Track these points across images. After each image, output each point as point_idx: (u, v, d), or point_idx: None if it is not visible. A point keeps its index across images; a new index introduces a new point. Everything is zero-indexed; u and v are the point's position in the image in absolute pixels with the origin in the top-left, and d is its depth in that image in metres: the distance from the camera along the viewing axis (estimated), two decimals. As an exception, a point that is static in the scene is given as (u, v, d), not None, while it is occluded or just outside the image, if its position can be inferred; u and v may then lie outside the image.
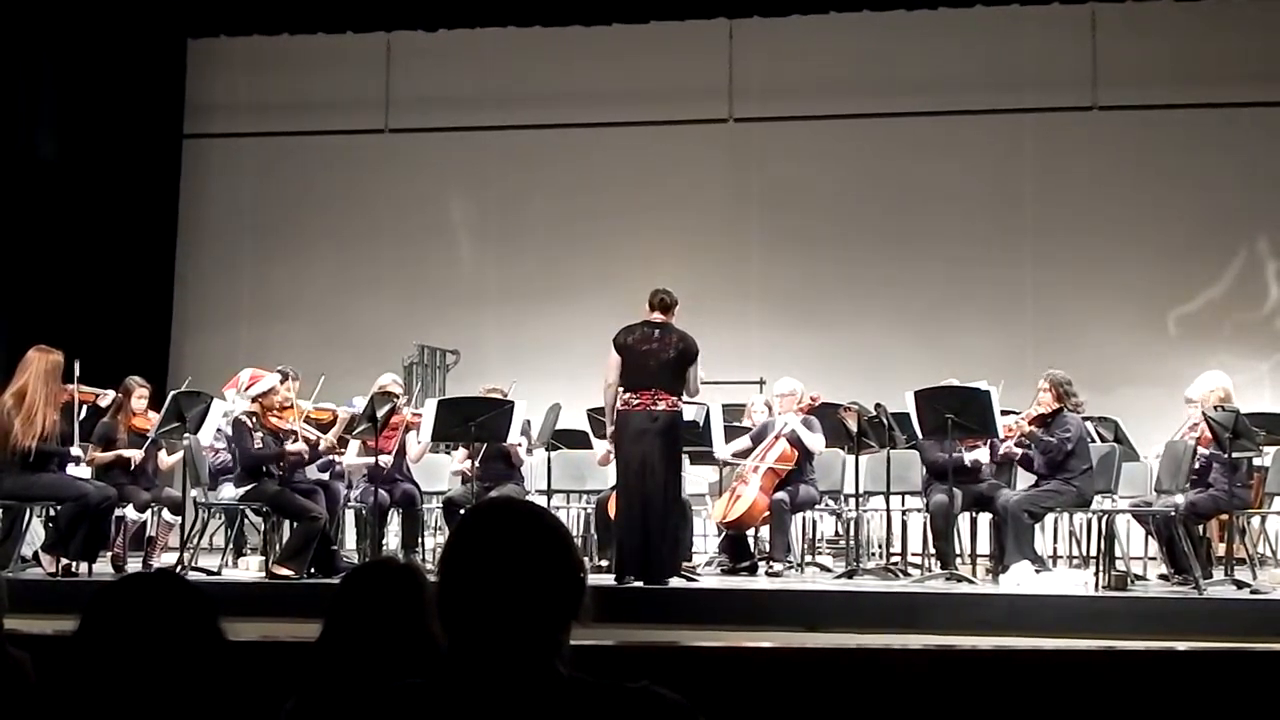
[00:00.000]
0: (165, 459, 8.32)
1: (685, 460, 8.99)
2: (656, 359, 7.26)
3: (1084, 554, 8.35)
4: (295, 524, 7.70)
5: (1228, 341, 11.12)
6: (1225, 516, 7.70)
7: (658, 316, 7.38)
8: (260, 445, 7.76)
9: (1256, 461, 7.94)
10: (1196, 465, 7.49)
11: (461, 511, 7.91)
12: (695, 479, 9.54)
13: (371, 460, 8.15)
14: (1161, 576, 7.75)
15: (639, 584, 7.04)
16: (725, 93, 11.79)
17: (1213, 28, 11.16)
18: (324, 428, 8.11)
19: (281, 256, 12.35)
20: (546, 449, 8.85)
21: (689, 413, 8.07)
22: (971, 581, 7.54)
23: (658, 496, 7.16)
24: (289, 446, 7.77)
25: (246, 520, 8.64)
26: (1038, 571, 7.36)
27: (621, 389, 7.30)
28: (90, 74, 11.63)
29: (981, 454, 8.00)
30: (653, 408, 7.21)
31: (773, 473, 8.22)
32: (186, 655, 2.08)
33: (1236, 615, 6.57)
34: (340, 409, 8.24)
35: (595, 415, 8.27)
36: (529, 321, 11.76)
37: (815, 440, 8.29)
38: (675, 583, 7.26)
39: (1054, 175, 11.58)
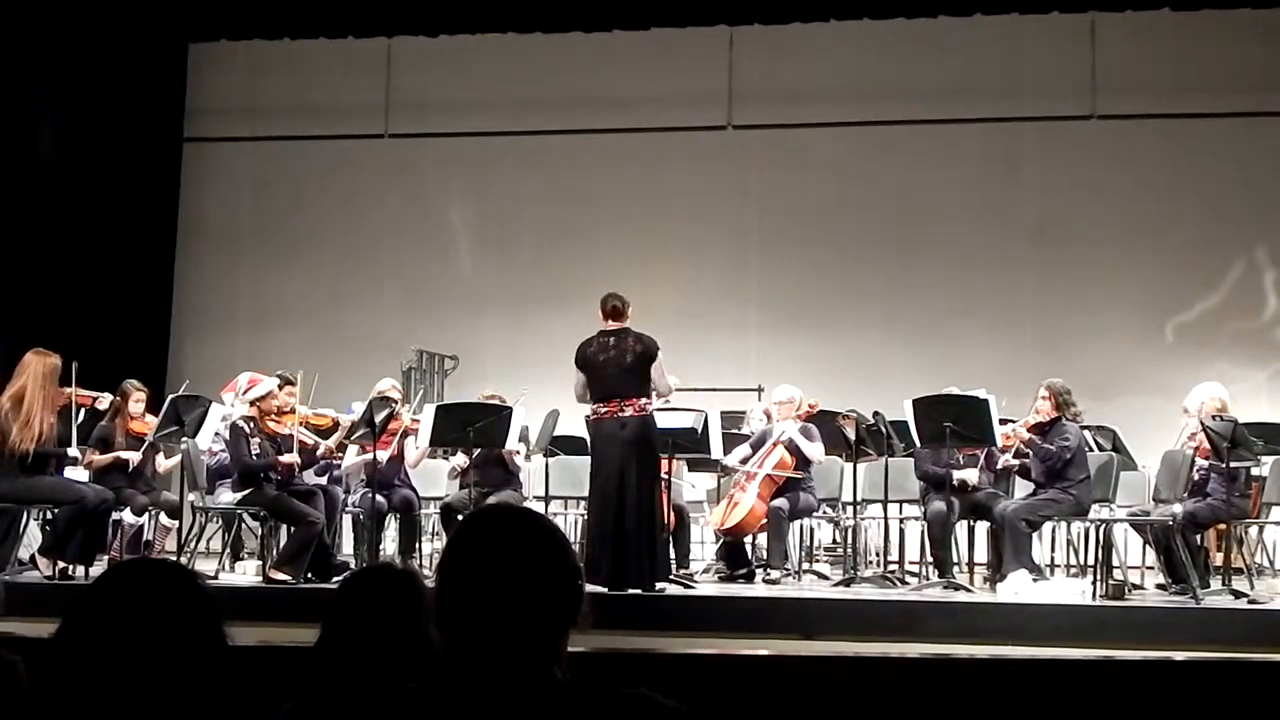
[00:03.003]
0: (163, 462, 8.32)
1: (683, 466, 9.00)
2: (615, 367, 7.16)
3: (1081, 563, 8.34)
4: (293, 528, 7.69)
5: (1225, 350, 11.13)
6: (1223, 526, 7.70)
7: (611, 324, 7.25)
8: (257, 451, 7.74)
9: (1255, 471, 7.95)
10: (1196, 476, 7.48)
11: (459, 517, 7.90)
12: (694, 485, 9.54)
13: (369, 464, 8.14)
14: (1159, 586, 7.74)
15: (637, 590, 7.02)
16: (725, 100, 11.80)
17: (1212, 37, 11.17)
18: (324, 433, 8.10)
19: (281, 261, 12.35)
20: (545, 455, 8.84)
21: (687, 419, 8.06)
22: (969, 590, 7.54)
23: (633, 502, 7.06)
24: (283, 459, 7.75)
25: (244, 524, 8.62)
26: (1035, 580, 7.35)
27: (590, 401, 7.28)
28: (91, 77, 11.64)
29: (970, 474, 7.93)
30: (620, 414, 7.14)
31: (770, 480, 8.21)
32: (181, 655, 1.85)
33: (1234, 625, 6.57)
34: (342, 416, 8.22)
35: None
36: (528, 327, 11.75)
37: (814, 448, 8.27)
38: (672, 590, 7.24)
39: (1053, 183, 11.59)
